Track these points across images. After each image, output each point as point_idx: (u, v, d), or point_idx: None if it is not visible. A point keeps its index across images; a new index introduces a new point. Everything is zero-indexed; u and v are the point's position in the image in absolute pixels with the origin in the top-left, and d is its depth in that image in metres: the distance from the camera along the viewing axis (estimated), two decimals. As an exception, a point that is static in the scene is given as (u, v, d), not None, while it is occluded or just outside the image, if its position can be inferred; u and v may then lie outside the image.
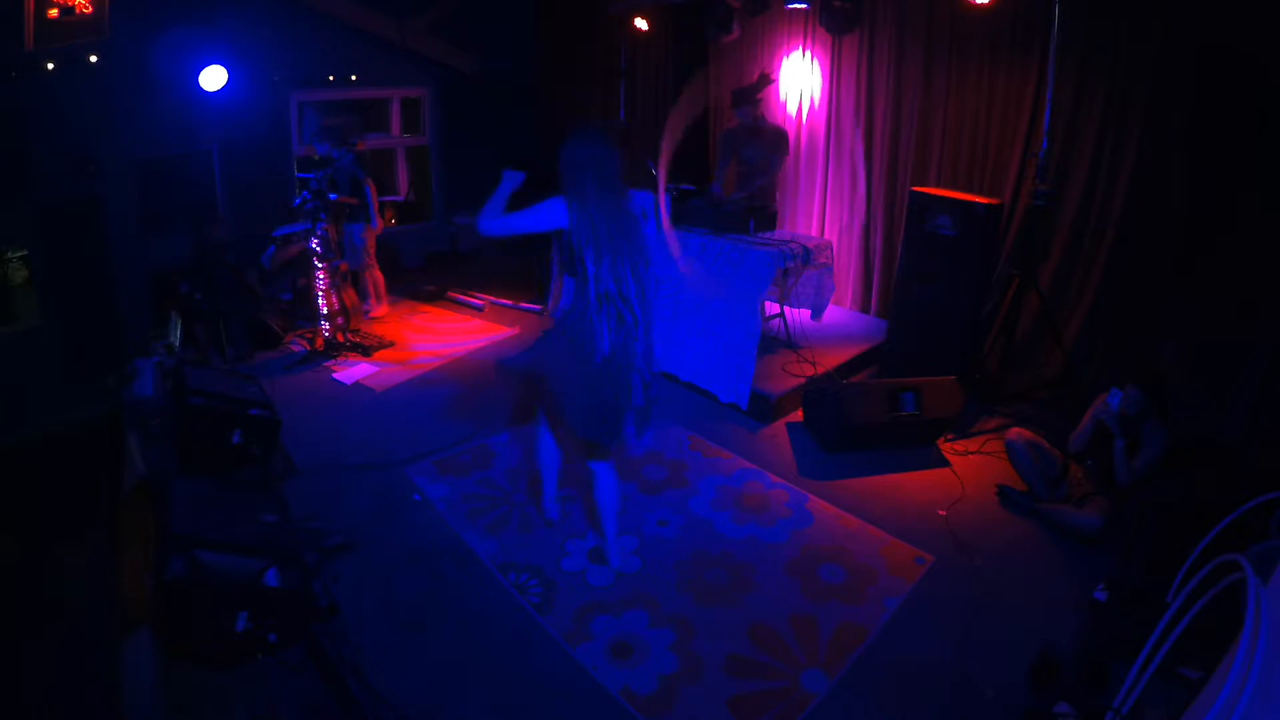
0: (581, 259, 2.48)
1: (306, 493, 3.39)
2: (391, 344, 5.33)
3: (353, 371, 4.90)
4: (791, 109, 5.75)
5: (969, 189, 4.54)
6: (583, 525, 3.25)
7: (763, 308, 4.43)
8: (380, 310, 5.90)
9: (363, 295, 5.83)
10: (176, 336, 4.52)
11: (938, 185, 4.72)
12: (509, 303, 6.20)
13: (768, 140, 4.78)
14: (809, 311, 4.97)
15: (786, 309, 4.84)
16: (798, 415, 4.21)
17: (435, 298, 6.39)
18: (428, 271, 7.12)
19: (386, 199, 7.28)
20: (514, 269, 6.90)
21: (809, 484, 3.61)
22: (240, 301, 5.09)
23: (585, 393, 2.59)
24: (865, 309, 5.52)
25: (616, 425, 2.66)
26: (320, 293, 5.09)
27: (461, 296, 6.33)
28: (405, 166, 7.56)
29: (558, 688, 2.43)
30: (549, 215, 2.54)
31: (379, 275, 5.88)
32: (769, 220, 4.75)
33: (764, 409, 4.23)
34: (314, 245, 5.02)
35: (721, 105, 6.30)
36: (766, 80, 5.05)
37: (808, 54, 5.54)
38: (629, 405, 2.64)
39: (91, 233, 5.00)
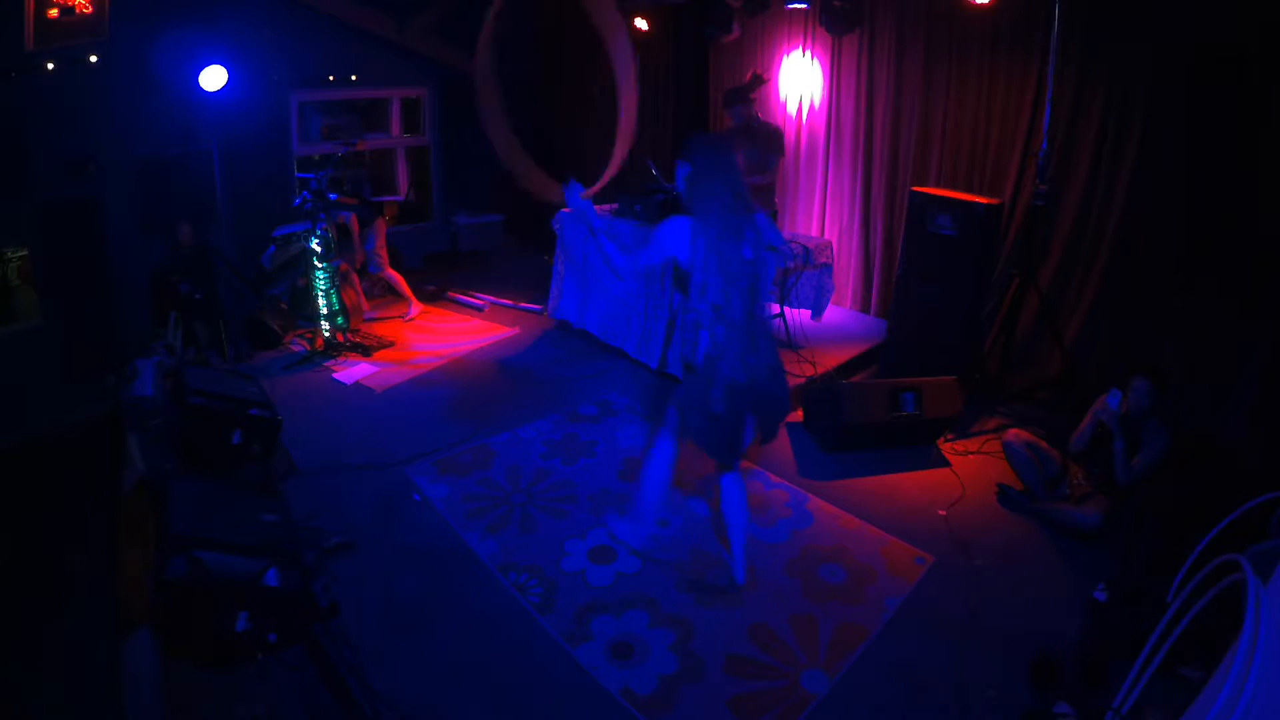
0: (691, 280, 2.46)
1: (306, 493, 3.40)
2: (391, 344, 5.33)
3: (353, 371, 4.90)
4: (791, 109, 5.75)
5: (969, 189, 4.54)
6: (582, 525, 3.25)
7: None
8: (415, 310, 5.88)
9: (370, 295, 5.85)
10: (176, 336, 4.52)
11: (938, 185, 4.72)
12: (509, 303, 6.20)
13: (762, 140, 4.76)
14: (809, 311, 4.96)
15: (786, 309, 4.83)
16: (798, 415, 4.21)
17: (435, 298, 6.38)
18: (428, 271, 7.11)
19: (386, 199, 7.29)
20: (514, 269, 6.90)
21: (809, 484, 3.61)
22: (235, 301, 5.08)
23: (699, 408, 2.56)
24: (865, 309, 5.52)
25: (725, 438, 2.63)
26: (320, 293, 5.10)
27: (461, 296, 6.33)
28: (405, 166, 7.56)
29: (558, 688, 2.43)
30: (673, 241, 2.48)
31: (397, 275, 5.87)
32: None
33: (764, 409, 4.22)
34: (314, 245, 5.02)
35: (720, 106, 6.32)
36: (759, 80, 5.05)
37: (808, 54, 5.55)
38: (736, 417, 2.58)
39: (91, 233, 5.00)
